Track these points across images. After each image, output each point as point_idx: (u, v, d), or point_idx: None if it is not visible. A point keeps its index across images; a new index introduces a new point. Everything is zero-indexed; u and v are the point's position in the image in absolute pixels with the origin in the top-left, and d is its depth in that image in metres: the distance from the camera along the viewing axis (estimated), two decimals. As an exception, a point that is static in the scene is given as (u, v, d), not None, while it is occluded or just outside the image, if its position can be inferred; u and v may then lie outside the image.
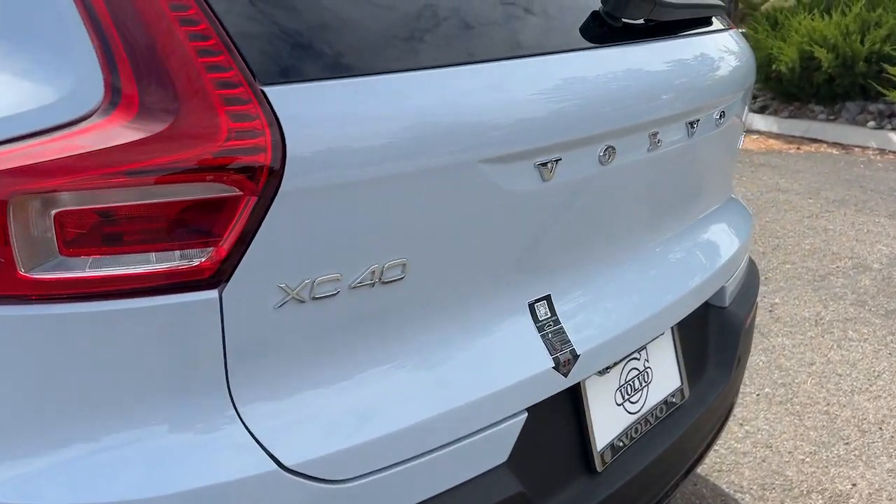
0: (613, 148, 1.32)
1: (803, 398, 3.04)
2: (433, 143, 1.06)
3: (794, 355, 3.37)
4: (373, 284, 1.06)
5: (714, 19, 1.76)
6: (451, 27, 1.13)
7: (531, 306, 1.30)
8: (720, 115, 1.62)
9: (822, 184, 6.05)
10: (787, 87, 8.04)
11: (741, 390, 3.06)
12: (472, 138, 1.09)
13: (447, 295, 1.17)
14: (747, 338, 1.87)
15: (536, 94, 1.18)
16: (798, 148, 7.38)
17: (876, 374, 3.22)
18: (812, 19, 7.85)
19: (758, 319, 3.67)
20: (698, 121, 1.53)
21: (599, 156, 1.30)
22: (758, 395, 3.06)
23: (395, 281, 1.09)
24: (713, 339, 1.80)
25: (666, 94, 1.41)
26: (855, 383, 3.15)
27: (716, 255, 1.73)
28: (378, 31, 1.05)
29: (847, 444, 2.76)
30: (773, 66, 7.97)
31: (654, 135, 1.40)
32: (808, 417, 2.91)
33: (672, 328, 1.65)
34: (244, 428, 1.00)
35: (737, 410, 2.94)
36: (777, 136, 7.87)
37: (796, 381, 3.17)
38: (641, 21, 1.44)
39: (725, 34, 1.78)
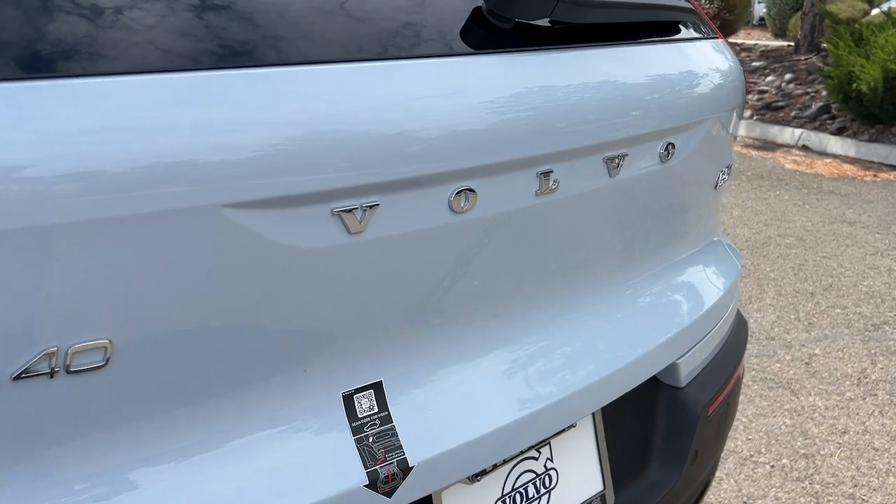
0: (472, 190, 0.97)
1: (826, 475, 2.59)
2: (140, 179, 0.74)
3: (825, 420, 2.92)
4: (52, 374, 0.75)
5: (681, 25, 1.39)
6: (176, 18, 0.81)
7: (346, 399, 0.97)
8: (666, 148, 1.25)
9: (895, 217, 5.48)
10: (869, 107, 7.42)
11: (754, 459, 2.65)
12: (208, 173, 0.77)
13: (189, 388, 0.85)
14: (712, 429, 1.49)
15: (341, 115, 0.85)
16: (875, 175, 6.76)
17: (920, 450, 2.75)
18: (900, 35, 7.22)
19: (790, 372, 3.23)
20: (625, 156, 1.17)
21: (450, 201, 0.96)
22: (772, 466, 2.63)
23: (91, 370, 0.77)
24: (661, 427, 1.43)
25: (565, 121, 1.05)
26: (893, 461, 2.69)
27: (662, 323, 1.36)
28: (54, 16, 0.74)
29: (870, 539, 2.32)
30: (854, 86, 7.37)
31: (546, 174, 1.05)
32: (829, 501, 2.47)
33: (594, 415, 1.30)
34: None
35: (744, 484, 2.52)
36: (853, 161, 7.25)
37: (822, 452, 2.72)
38: (546, 23, 1.09)
39: (698, 44, 1.41)
